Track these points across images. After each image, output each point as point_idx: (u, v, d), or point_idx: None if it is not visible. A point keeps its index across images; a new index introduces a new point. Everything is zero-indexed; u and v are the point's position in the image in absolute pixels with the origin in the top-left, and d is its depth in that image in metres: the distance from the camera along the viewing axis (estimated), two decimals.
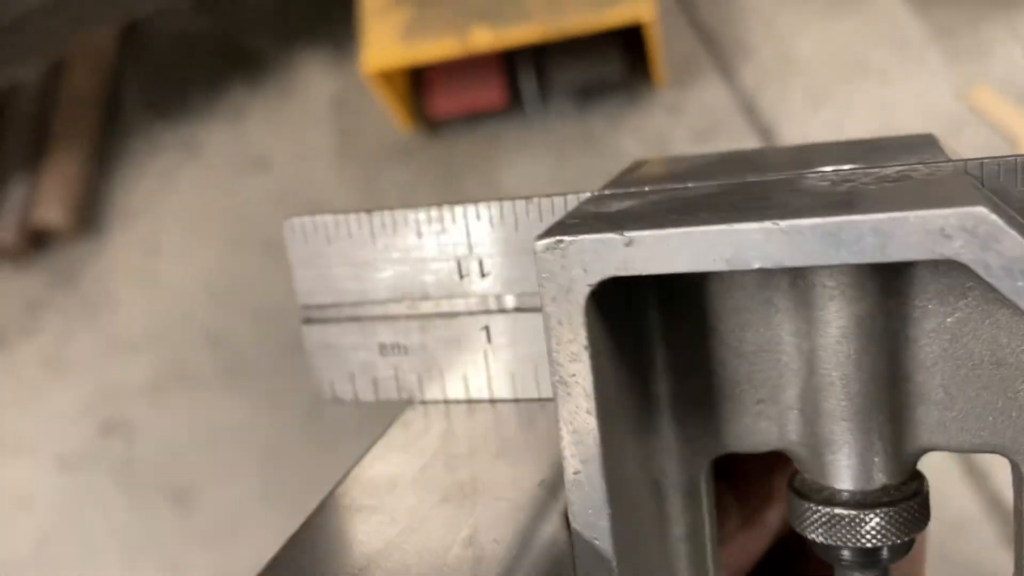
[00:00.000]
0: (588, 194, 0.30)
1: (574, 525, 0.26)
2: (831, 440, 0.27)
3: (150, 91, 1.87)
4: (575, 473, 0.25)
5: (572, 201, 0.31)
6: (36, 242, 1.75)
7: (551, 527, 0.27)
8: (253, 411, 1.54)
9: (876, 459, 0.27)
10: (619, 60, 1.54)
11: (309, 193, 1.67)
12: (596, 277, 0.24)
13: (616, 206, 0.27)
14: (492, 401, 0.33)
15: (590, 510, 0.25)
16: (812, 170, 0.28)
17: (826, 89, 1.53)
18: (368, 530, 0.28)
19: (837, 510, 0.27)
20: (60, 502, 1.54)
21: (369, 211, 0.33)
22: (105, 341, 1.65)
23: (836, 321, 0.26)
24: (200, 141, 1.78)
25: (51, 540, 1.52)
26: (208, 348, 1.59)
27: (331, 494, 0.30)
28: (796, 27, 1.58)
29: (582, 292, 0.24)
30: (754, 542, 0.35)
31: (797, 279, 0.27)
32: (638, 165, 0.34)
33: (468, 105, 1.57)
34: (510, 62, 1.57)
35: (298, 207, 1.66)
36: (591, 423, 0.25)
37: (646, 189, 0.29)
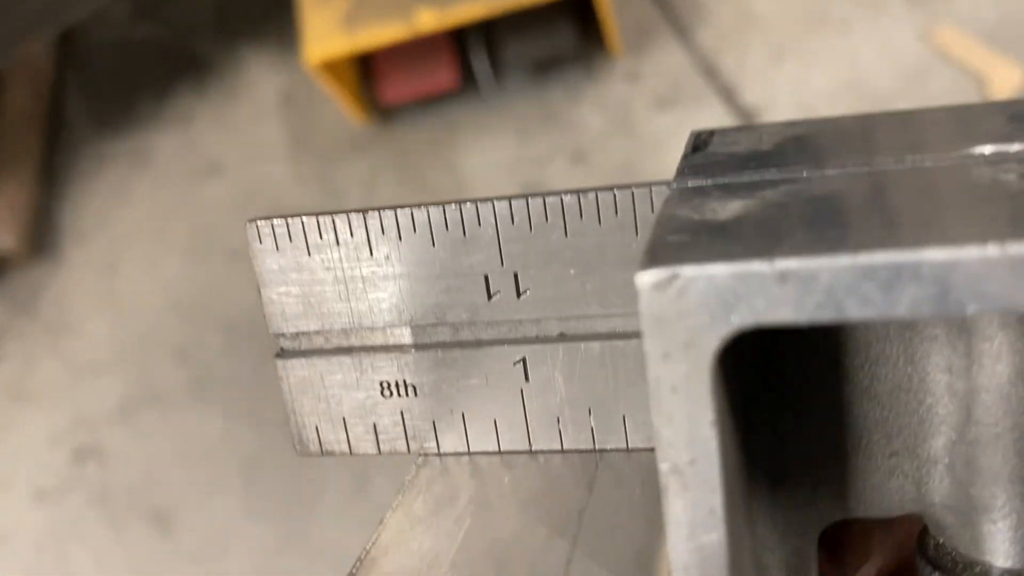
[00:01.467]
0: (664, 185, 0.23)
1: None
2: (991, 505, 0.22)
3: (93, 103, 1.79)
4: None
5: (642, 196, 0.24)
6: None
7: None
8: (229, 425, 1.48)
9: None
10: (571, 31, 1.48)
11: (267, 194, 1.61)
12: (731, 327, 0.17)
13: (724, 210, 0.20)
14: (532, 452, 0.26)
15: None
16: (965, 152, 0.21)
17: (787, 44, 1.48)
18: None
19: None
20: (39, 534, 1.48)
21: (364, 210, 0.25)
22: (70, 366, 1.58)
23: (1009, 356, 0.20)
24: (149, 150, 1.70)
25: (34, 574, 1.46)
26: (178, 364, 1.53)
27: None
28: None
29: (709, 347, 0.17)
30: None
31: None
32: (704, 139, 0.26)
33: (420, 89, 1.50)
34: (460, 41, 1.51)
35: (257, 210, 1.60)
36: (715, 524, 0.18)
37: (748, 179, 0.22)
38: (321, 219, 0.26)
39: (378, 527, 0.25)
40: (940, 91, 1.38)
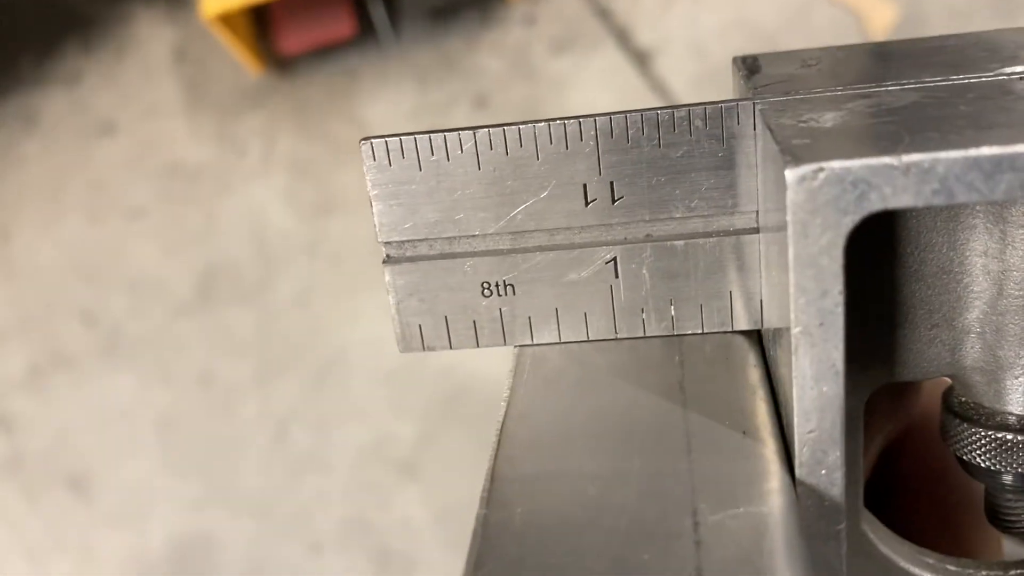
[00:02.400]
0: (747, 101, 0.26)
1: (802, 478, 0.24)
2: (1014, 364, 0.26)
3: None
4: (810, 432, 0.23)
5: (728, 112, 0.26)
6: None
7: (775, 481, 0.23)
8: (140, 385, 1.47)
9: None
10: None
11: (163, 150, 1.58)
12: (863, 211, 0.20)
13: (823, 119, 0.23)
14: (617, 339, 0.29)
15: (823, 469, 0.23)
16: (997, 71, 0.25)
17: None
18: (560, 496, 0.23)
19: (1010, 435, 0.26)
20: None
21: (475, 128, 0.28)
22: None
23: None
24: (37, 112, 1.65)
25: None
26: (84, 327, 1.50)
27: (495, 461, 0.25)
28: None
29: (844, 229, 0.21)
30: (866, 469, 0.34)
31: None
32: (752, 64, 0.29)
33: (318, 38, 1.49)
34: None
35: (154, 167, 1.57)
36: (835, 376, 0.22)
37: (822, 95, 0.25)
38: (433, 137, 0.28)
39: (503, 407, 0.27)
40: (822, 28, 1.44)
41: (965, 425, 0.27)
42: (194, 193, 1.54)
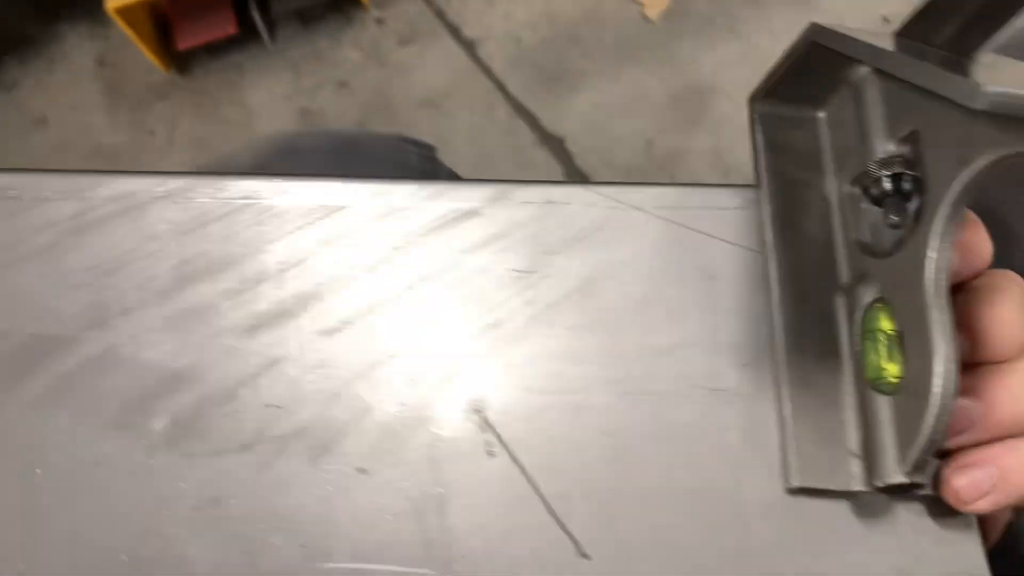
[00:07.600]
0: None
1: None
2: None
3: None
4: None
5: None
6: None
7: None
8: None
9: None
10: None
11: (87, 138, 1.89)
12: None
13: None
14: None
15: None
16: None
17: None
18: None
19: None
20: None
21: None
22: None
23: None
24: None
25: None
26: None
27: None
28: None
29: None
30: None
31: None
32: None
33: (206, 36, 1.82)
34: None
35: (80, 151, 1.88)
36: None
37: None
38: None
39: None
40: (610, 13, 1.80)
41: None
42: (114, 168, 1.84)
